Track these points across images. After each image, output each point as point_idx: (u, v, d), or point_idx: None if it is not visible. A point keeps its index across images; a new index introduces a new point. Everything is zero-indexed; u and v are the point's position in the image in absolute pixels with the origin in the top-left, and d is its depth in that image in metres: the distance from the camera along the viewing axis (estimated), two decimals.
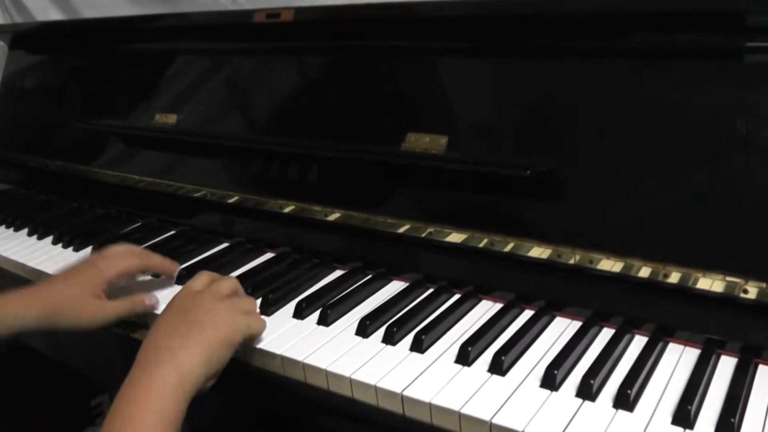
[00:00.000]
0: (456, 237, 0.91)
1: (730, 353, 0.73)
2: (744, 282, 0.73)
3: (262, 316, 0.86)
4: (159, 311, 0.91)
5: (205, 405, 0.75)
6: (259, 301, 0.91)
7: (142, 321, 0.94)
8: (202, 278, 0.85)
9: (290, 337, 0.83)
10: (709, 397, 0.68)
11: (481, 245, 0.89)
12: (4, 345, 0.92)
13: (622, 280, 0.80)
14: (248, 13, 1.19)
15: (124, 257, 0.94)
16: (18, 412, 1.45)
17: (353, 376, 0.74)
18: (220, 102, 1.25)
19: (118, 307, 0.90)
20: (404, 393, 0.71)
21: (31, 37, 1.67)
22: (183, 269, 1.01)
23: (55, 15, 1.85)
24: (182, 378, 0.70)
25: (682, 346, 0.76)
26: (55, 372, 1.37)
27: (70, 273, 0.93)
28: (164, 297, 0.94)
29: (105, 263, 0.92)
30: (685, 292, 0.76)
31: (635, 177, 0.82)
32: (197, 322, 0.76)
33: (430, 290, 0.91)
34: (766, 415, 0.65)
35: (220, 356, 0.75)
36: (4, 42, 1.75)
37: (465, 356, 0.75)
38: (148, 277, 1.01)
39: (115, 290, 0.93)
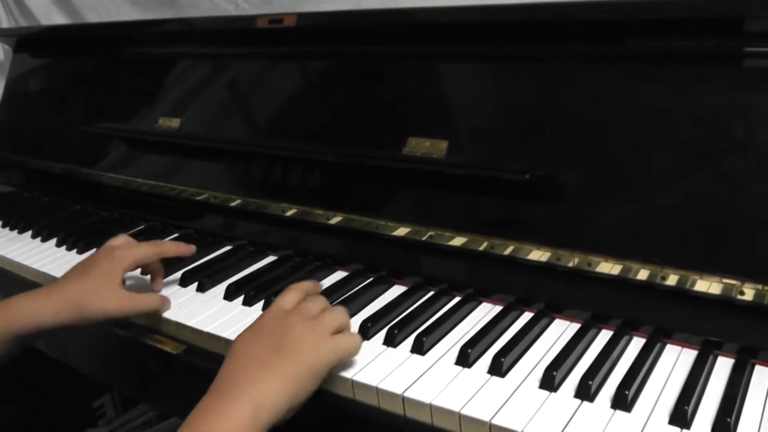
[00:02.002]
0: (456, 240, 0.92)
1: (727, 354, 0.74)
2: (741, 284, 0.74)
3: None
4: (174, 317, 0.92)
5: None
6: (261, 303, 0.92)
7: (147, 323, 0.95)
8: (292, 295, 0.80)
9: None
10: (707, 397, 0.68)
11: (481, 248, 0.90)
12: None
13: (621, 282, 0.81)
14: (251, 19, 1.20)
15: (139, 246, 0.95)
16: (20, 413, 1.46)
17: (355, 378, 0.75)
18: (223, 106, 1.26)
19: (146, 301, 0.91)
20: (405, 394, 0.72)
21: (35, 41, 1.68)
22: (186, 271, 1.02)
23: (58, 19, 1.86)
24: (259, 413, 0.66)
25: (679, 348, 0.76)
26: (57, 373, 1.38)
27: (88, 266, 0.92)
28: (171, 299, 0.96)
29: (121, 253, 0.92)
30: (682, 294, 0.77)
31: (633, 180, 0.83)
32: (283, 350, 0.71)
33: (431, 293, 0.91)
34: (763, 414, 0.66)
35: (305, 388, 0.71)
36: (8, 46, 1.76)
37: (465, 358, 0.76)
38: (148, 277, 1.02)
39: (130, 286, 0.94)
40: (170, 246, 0.99)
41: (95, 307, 0.87)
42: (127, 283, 0.96)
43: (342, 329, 0.78)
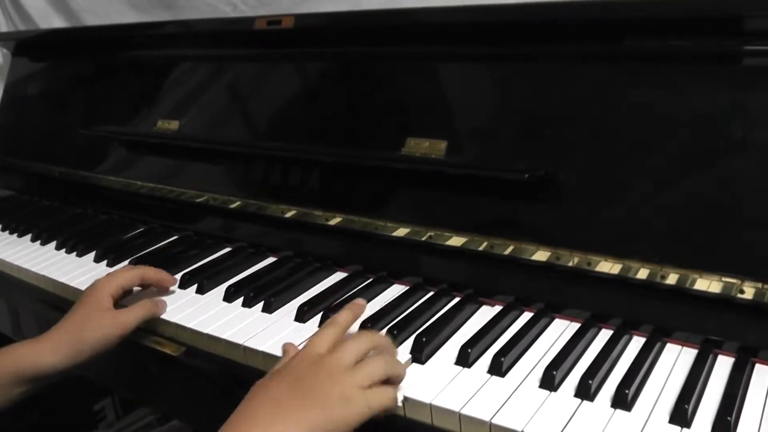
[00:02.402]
0: (456, 240, 0.92)
1: (727, 353, 0.74)
2: (740, 282, 0.74)
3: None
4: (173, 319, 0.92)
5: None
6: (261, 304, 0.92)
7: (148, 327, 0.95)
8: (328, 334, 0.73)
9: (294, 338, 0.84)
10: (707, 396, 0.68)
11: (480, 248, 0.90)
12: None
13: (621, 281, 0.81)
14: (249, 20, 1.20)
15: (120, 272, 0.96)
16: (21, 416, 1.46)
17: None
18: (222, 108, 1.26)
19: (137, 311, 0.91)
20: (405, 395, 0.72)
21: (33, 45, 1.68)
22: (186, 273, 1.02)
23: (57, 22, 1.86)
24: None
25: (679, 347, 0.76)
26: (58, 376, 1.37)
27: (76, 305, 0.92)
28: (171, 301, 0.96)
29: (104, 280, 0.94)
30: (682, 293, 0.77)
31: (632, 180, 0.83)
32: (308, 397, 0.66)
33: (431, 293, 0.91)
34: (763, 413, 0.65)
35: None
36: (7, 50, 1.77)
37: (465, 358, 0.76)
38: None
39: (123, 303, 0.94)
40: (153, 272, 0.98)
41: (92, 334, 0.87)
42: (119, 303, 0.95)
43: (388, 378, 0.70)
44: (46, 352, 0.87)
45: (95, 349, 0.88)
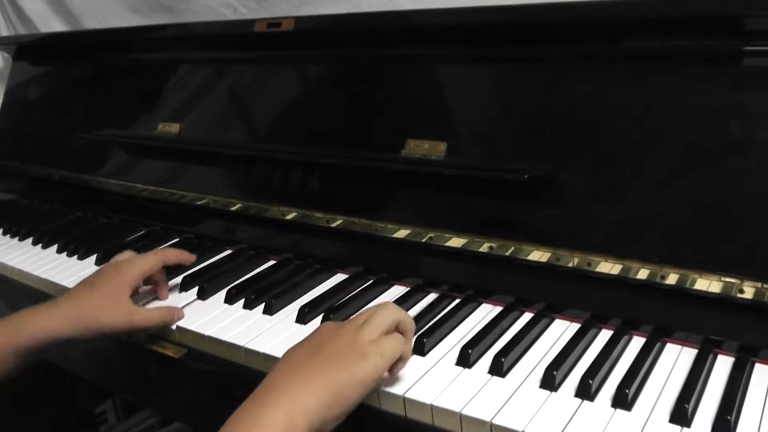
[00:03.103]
0: (456, 242, 0.92)
1: (727, 353, 0.74)
2: (740, 282, 0.74)
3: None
4: (183, 324, 0.92)
5: None
6: (262, 306, 0.92)
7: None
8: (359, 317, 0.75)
9: (295, 340, 0.84)
10: (707, 395, 0.68)
11: (480, 249, 0.90)
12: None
13: (620, 281, 0.81)
14: (250, 23, 1.20)
15: (143, 258, 0.96)
16: (23, 419, 1.46)
17: None
18: (223, 111, 1.26)
19: (152, 316, 0.91)
20: (406, 395, 0.72)
21: (34, 49, 1.68)
22: (187, 276, 1.02)
23: (57, 26, 1.86)
24: (293, 419, 0.64)
25: (679, 347, 0.77)
26: (59, 379, 1.38)
27: (95, 281, 0.92)
28: (172, 303, 0.96)
29: (127, 267, 0.93)
30: (682, 293, 0.77)
31: (632, 179, 0.83)
32: (324, 358, 0.69)
33: (431, 294, 0.92)
34: (763, 412, 0.66)
35: (347, 399, 0.67)
36: (7, 54, 1.77)
37: (466, 358, 0.76)
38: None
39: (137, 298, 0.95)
40: (172, 253, 1.00)
41: (103, 322, 0.88)
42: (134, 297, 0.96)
43: (392, 352, 0.72)
44: (53, 325, 0.87)
45: (100, 333, 0.88)
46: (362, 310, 0.79)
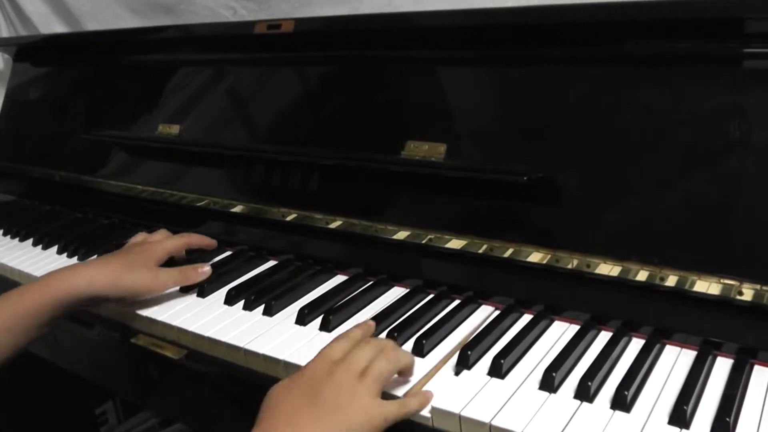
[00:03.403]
0: (456, 243, 0.92)
1: (726, 354, 0.74)
2: (739, 284, 0.74)
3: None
4: (175, 322, 0.92)
5: None
6: (261, 307, 0.92)
7: (149, 330, 0.95)
8: (342, 345, 0.73)
9: (294, 341, 0.84)
10: (706, 397, 0.68)
11: (480, 251, 0.90)
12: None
13: (620, 283, 0.81)
14: (249, 24, 1.20)
15: (170, 238, 1.05)
16: (23, 420, 1.46)
17: None
18: (223, 112, 1.26)
19: (175, 276, 0.98)
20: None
21: (34, 50, 1.68)
22: None
23: (58, 27, 1.86)
24: None
25: (678, 348, 0.77)
26: (59, 380, 1.38)
27: (126, 252, 1.01)
28: (172, 305, 0.96)
29: (153, 244, 1.01)
30: (681, 295, 0.77)
31: (632, 181, 0.83)
32: (324, 404, 0.66)
33: (431, 296, 0.92)
34: (762, 414, 0.66)
35: None
36: (8, 55, 1.77)
37: (465, 360, 0.76)
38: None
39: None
40: (196, 237, 1.08)
41: (131, 281, 0.94)
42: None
43: (400, 371, 0.73)
44: (83, 282, 0.92)
45: (127, 291, 0.95)
46: (352, 326, 0.79)
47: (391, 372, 0.72)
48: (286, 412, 0.67)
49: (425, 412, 0.70)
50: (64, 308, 0.91)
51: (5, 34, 1.97)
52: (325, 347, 0.74)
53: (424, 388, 0.73)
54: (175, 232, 1.22)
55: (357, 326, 0.79)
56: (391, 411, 0.68)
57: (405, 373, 0.74)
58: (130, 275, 0.94)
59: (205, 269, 0.99)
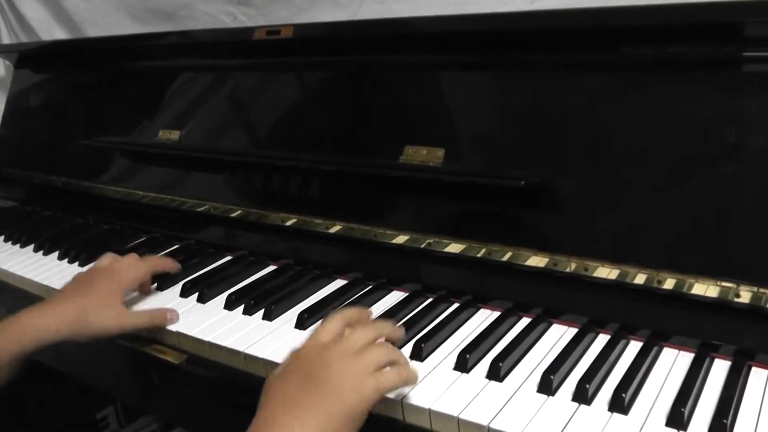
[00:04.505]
0: (454, 247, 0.92)
1: (723, 357, 0.75)
2: (737, 287, 0.75)
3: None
4: (175, 327, 0.93)
5: None
6: (261, 312, 0.93)
7: (149, 335, 0.95)
8: (332, 325, 0.73)
9: (294, 345, 0.84)
10: (703, 399, 0.69)
11: (478, 255, 0.90)
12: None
13: (618, 287, 0.81)
14: (249, 30, 1.21)
15: (135, 265, 0.99)
16: (24, 425, 1.46)
17: None
18: (223, 117, 1.27)
19: (141, 317, 0.93)
20: (404, 400, 0.72)
21: (35, 56, 1.69)
22: (187, 282, 1.03)
23: (59, 34, 1.87)
24: None
25: (676, 351, 0.77)
26: (61, 385, 1.38)
27: (89, 283, 0.95)
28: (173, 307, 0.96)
29: (120, 274, 0.96)
30: (679, 298, 0.78)
31: (629, 186, 0.83)
32: (319, 390, 0.67)
33: (429, 299, 0.92)
34: (759, 415, 0.66)
35: (342, 429, 0.66)
36: (9, 61, 1.78)
37: (463, 363, 0.77)
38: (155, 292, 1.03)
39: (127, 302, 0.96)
40: (160, 261, 1.04)
41: (97, 326, 0.90)
42: (126, 297, 0.98)
43: (390, 364, 0.71)
44: (51, 329, 0.89)
45: (93, 336, 0.91)
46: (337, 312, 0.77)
47: (389, 360, 0.71)
48: (282, 400, 0.67)
49: (424, 414, 0.71)
50: (27, 354, 0.89)
51: (6, 40, 1.97)
52: (316, 329, 0.74)
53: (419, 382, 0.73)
54: (175, 237, 1.24)
55: (353, 309, 0.79)
56: (385, 380, 0.69)
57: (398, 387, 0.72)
58: (97, 319, 0.90)
59: (173, 315, 0.94)
